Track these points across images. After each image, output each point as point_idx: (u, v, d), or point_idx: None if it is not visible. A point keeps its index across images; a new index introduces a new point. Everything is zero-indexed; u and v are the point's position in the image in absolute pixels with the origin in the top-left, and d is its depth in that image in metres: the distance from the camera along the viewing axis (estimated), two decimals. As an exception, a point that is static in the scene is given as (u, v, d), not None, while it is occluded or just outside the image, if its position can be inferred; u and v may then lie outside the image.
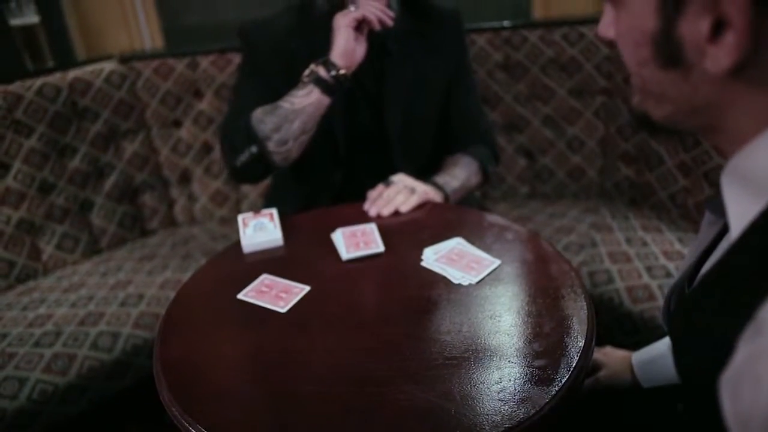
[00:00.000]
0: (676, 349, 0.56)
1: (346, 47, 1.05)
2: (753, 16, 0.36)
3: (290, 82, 1.10)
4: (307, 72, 1.07)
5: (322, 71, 1.06)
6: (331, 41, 1.06)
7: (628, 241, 1.44)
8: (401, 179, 1.13)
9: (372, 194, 1.11)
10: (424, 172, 1.21)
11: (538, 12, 2.10)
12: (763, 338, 0.35)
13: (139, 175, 1.75)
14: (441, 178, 1.20)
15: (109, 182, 1.69)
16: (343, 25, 1.06)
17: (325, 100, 1.07)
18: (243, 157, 1.10)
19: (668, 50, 0.42)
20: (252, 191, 1.84)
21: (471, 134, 1.32)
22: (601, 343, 0.97)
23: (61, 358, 1.22)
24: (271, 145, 1.08)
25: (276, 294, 0.84)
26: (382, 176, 1.14)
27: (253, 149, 1.08)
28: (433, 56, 1.23)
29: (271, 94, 1.11)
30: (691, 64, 0.42)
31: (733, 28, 0.37)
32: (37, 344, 1.24)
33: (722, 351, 0.38)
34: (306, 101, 1.06)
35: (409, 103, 1.22)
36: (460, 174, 1.23)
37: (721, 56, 0.39)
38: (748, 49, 0.37)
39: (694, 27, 0.39)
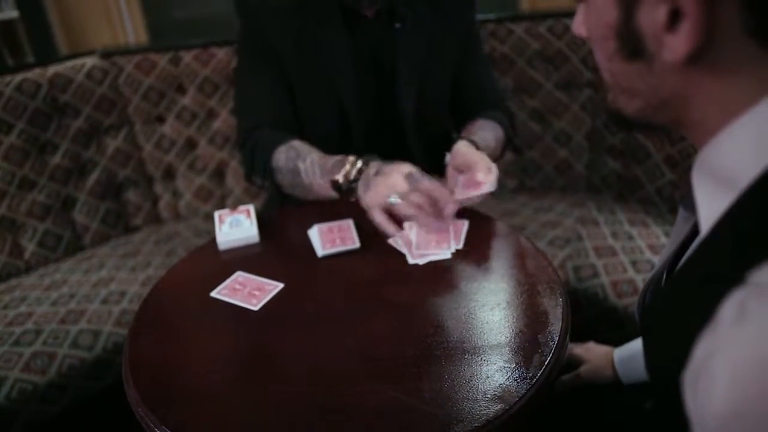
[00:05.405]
0: (646, 345, 0.55)
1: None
2: (706, 5, 0.37)
3: (297, 51, 1.09)
4: (334, 168, 0.97)
5: (343, 183, 0.95)
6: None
7: (614, 235, 1.43)
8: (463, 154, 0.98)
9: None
10: (437, 152, 1.11)
11: (525, 4, 2.09)
12: (717, 334, 0.34)
13: (122, 172, 1.72)
14: (477, 137, 1.06)
15: (91, 179, 1.67)
16: (373, 208, 0.90)
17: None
18: (259, 181, 1.15)
19: (630, 41, 0.43)
20: (237, 187, 1.82)
21: (487, 103, 1.23)
22: (585, 339, 0.96)
23: (41, 357, 1.21)
24: (285, 188, 1.12)
25: (249, 292, 0.83)
26: (395, 159, 0.97)
27: (267, 184, 1.15)
28: (444, 20, 1.14)
29: (280, 72, 1.11)
30: (652, 54, 0.42)
31: (688, 16, 0.37)
32: (16, 343, 1.23)
33: (687, 349, 0.38)
34: (322, 188, 1.00)
35: (424, 81, 1.15)
36: (489, 137, 1.11)
37: (677, 45, 0.39)
38: (703, 36, 0.38)
39: (651, 16, 0.40)
